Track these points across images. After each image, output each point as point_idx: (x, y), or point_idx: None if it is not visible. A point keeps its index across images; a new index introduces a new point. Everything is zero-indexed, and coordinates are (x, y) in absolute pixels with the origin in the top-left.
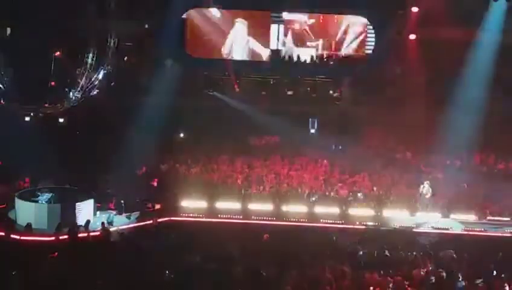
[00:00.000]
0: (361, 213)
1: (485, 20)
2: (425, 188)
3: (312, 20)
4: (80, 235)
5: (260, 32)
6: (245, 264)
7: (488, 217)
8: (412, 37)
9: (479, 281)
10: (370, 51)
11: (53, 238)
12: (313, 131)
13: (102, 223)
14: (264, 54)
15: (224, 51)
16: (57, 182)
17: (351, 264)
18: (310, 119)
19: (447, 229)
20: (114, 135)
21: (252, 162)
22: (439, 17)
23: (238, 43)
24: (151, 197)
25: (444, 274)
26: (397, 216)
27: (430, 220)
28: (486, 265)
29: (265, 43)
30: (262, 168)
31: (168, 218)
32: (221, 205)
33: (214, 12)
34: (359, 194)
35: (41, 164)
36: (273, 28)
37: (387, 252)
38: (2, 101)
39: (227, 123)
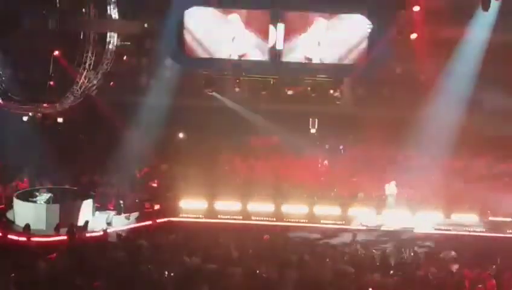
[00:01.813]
0: (361, 213)
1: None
2: (391, 188)
3: None
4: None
5: (258, 31)
6: (245, 266)
7: (490, 218)
8: (413, 36)
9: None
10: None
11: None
12: (313, 131)
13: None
14: (264, 53)
15: (224, 50)
16: (55, 183)
17: (352, 265)
18: (310, 119)
19: (449, 229)
20: (113, 135)
21: (251, 162)
22: (441, 16)
23: (237, 42)
24: (150, 197)
25: (445, 275)
26: (398, 216)
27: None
28: (487, 266)
29: (264, 41)
30: (262, 169)
31: (168, 219)
32: (221, 205)
33: (212, 11)
34: (359, 195)
35: (39, 164)
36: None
37: (388, 253)
38: (0, 101)
39: (227, 123)
